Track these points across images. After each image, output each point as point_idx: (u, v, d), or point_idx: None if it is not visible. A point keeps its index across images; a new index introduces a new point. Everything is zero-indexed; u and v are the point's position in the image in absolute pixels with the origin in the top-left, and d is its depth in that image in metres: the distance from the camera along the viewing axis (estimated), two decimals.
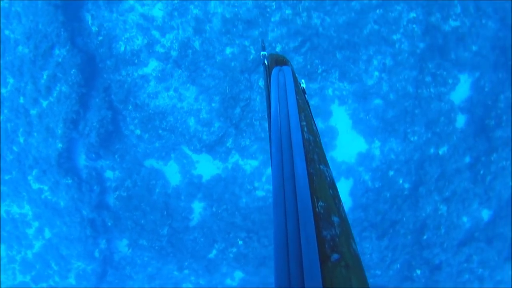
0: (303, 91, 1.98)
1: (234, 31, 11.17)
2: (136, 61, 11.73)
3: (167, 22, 11.36)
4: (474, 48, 11.94)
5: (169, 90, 11.71)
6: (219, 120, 11.59)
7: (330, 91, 11.71)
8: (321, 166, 1.37)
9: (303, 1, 11.12)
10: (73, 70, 12.16)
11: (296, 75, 1.99)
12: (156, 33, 11.56)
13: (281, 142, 1.45)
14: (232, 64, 11.34)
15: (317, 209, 1.19)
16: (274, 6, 11.12)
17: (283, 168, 1.35)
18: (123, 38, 11.75)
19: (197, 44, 11.38)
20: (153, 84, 11.73)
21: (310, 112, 1.78)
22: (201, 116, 11.66)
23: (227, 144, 11.87)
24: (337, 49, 11.42)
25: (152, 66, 11.71)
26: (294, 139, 1.43)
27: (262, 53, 2.26)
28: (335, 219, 1.17)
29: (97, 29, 11.96)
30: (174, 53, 11.49)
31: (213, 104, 11.55)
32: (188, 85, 11.60)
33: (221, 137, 11.77)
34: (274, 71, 1.86)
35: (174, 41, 11.50)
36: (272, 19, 11.16)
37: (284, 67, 1.90)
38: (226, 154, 11.97)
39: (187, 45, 11.32)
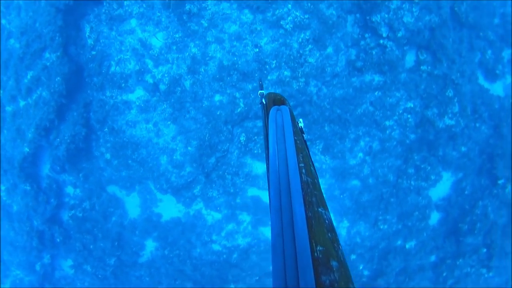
0: (301, 130, 1.93)
1: (228, 80, 10.62)
2: (123, 85, 11.12)
3: (163, 54, 10.81)
4: (463, 149, 11.51)
5: (148, 123, 11.08)
6: (191, 165, 10.96)
7: None
8: (319, 209, 1.36)
9: (304, 67, 10.57)
10: (58, 78, 11.54)
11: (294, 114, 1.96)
12: (149, 62, 10.98)
13: (280, 184, 1.44)
14: (218, 112, 10.77)
15: (315, 254, 1.19)
16: (273, 65, 10.60)
17: (281, 212, 1.34)
18: (116, 58, 11.15)
19: (187, 84, 10.81)
20: (134, 112, 11.11)
21: (309, 152, 1.74)
22: (174, 157, 11.02)
23: (194, 191, 11.24)
24: (327, 122, 10.90)
25: (138, 94, 11.09)
26: (293, 181, 1.42)
27: (260, 91, 2.31)
28: (334, 263, 1.17)
29: (92, 42, 11.36)
30: (162, 87, 10.90)
31: (189, 148, 10.93)
32: (169, 122, 10.98)
33: (190, 182, 11.14)
34: (272, 111, 1.85)
35: (166, 75, 10.91)
36: (269, 77, 10.63)
37: (282, 107, 1.89)
38: (191, 200, 11.33)
39: (177, 82, 10.76)
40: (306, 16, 10.65)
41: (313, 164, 1.68)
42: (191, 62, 10.92)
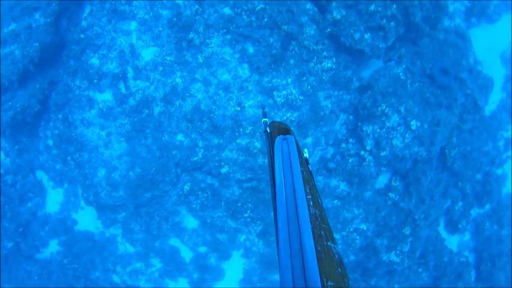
0: (306, 161, 1.89)
1: (197, 125, 9.66)
2: (95, 81, 10.09)
3: (147, 70, 9.86)
4: (396, 287, 10.62)
5: (103, 130, 10.06)
6: (126, 191, 9.95)
7: (242, 238, 10.16)
8: (328, 243, 1.33)
9: None
10: (37, 44, 10.49)
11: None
12: (130, 72, 9.95)
13: (288, 216, 1.42)
14: (174, 152, 9.79)
15: None
16: (248, 130, 9.63)
17: (290, 244, 1.32)
18: (100, 52, 10.12)
19: (157, 110, 9.81)
20: (94, 113, 10.08)
21: (315, 184, 1.70)
22: (112, 175, 9.98)
23: (118, 216, 10.23)
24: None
25: (105, 97, 10.06)
26: (301, 213, 1.39)
27: (263, 120, 2.31)
28: None
29: (85, 26, 10.33)
30: (131, 102, 9.89)
31: (131, 173, 9.91)
32: (122, 139, 9.95)
33: (117, 206, 10.10)
34: (278, 140, 1.82)
35: (140, 92, 9.89)
36: (238, 140, 9.64)
37: (288, 137, 1.85)
38: (112, 223, 10.31)
39: (148, 104, 9.80)
40: (301, 97, 9.73)
41: (319, 196, 1.63)
42: (170, 90, 9.93)
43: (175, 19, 10.09)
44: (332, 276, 1.17)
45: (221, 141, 9.99)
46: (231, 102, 9.92)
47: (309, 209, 1.44)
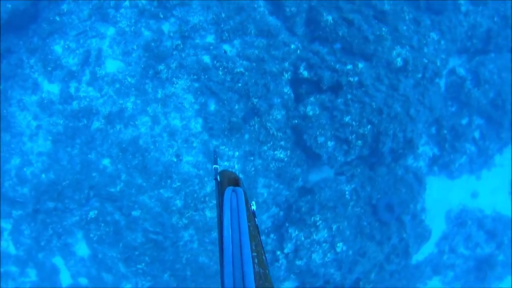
0: (254, 214, 1.88)
1: (127, 158, 8.80)
2: (49, 68, 9.20)
3: (103, 81, 9.13)
4: None
5: (34, 120, 9.14)
6: (31, 191, 9.13)
7: (126, 286, 9.21)
8: None
9: (197, 212, 8.75)
10: (9, 5, 9.52)
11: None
12: (87, 75, 9.03)
13: (234, 274, 1.42)
14: (93, 174, 8.84)
15: None
16: (175, 185, 8.75)
17: None
18: (67, 42, 9.16)
19: (95, 125, 8.97)
20: (34, 99, 9.29)
21: (260, 240, 1.70)
22: (24, 169, 9.05)
23: (14, 212, 9.22)
24: (172, 275, 9.05)
25: (52, 89, 9.20)
26: (246, 273, 1.41)
27: (214, 166, 2.27)
28: None
29: (65, 10, 9.34)
30: (75, 105, 8.92)
31: (43, 175, 9.01)
32: (49, 138, 9.11)
33: (17, 202, 9.14)
34: (227, 192, 1.81)
35: (87, 99, 8.97)
36: (162, 190, 8.78)
37: (237, 189, 1.85)
38: (5, 215, 9.25)
39: (89, 115, 9.12)
40: (240, 176, 8.84)
41: (264, 253, 1.65)
42: (116, 111, 9.05)
43: (153, 44, 9.22)
44: None
45: (145, 184, 9.09)
46: (171, 150, 9.04)
47: (254, 268, 1.43)
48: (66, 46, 9.61)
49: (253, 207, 1.93)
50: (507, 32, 10.24)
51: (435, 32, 9.52)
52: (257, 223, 1.83)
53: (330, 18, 8.99)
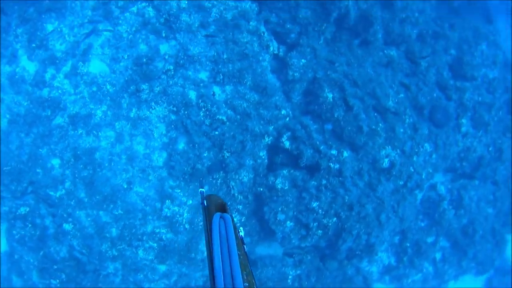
0: (242, 241, 1.77)
1: (78, 167, 7.97)
2: (33, 45, 8.45)
3: (82, 79, 8.51)
4: None
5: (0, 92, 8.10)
6: None
7: None
8: None
9: (137, 251, 7.82)
10: None
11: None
12: (67, 67, 8.21)
13: None
14: (38, 170, 7.93)
15: None
16: (117, 212, 7.80)
17: None
18: (61, 26, 8.37)
19: (57, 120, 8.09)
20: (6, 70, 8.28)
21: (250, 269, 1.61)
22: None
23: None
24: None
25: (28, 67, 8.43)
26: None
27: (200, 189, 2.14)
28: None
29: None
30: (44, 93, 8.07)
31: None
32: (7, 116, 8.06)
33: None
34: (215, 219, 1.73)
35: (59, 91, 8.17)
36: (101, 212, 7.86)
37: (225, 216, 1.76)
38: None
39: (56, 108, 8.33)
40: (187, 226, 8.07)
41: (255, 282, 1.56)
42: (83, 115, 8.20)
43: (144, 60, 8.38)
44: None
45: (86, 200, 8.18)
46: (124, 175, 8.17)
47: None
48: (58, 29, 8.75)
49: (241, 233, 1.82)
50: (497, 164, 9.65)
51: (430, 144, 8.87)
52: (246, 250, 1.72)
53: (330, 96, 8.27)
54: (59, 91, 8.59)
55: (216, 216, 1.74)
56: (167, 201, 8.19)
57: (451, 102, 9.29)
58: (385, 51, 8.91)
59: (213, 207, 1.86)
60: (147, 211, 8.24)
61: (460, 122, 9.27)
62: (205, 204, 1.91)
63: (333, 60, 8.57)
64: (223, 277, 1.46)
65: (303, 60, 8.51)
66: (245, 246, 1.76)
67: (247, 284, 1.46)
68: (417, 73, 9.02)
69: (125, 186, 8.27)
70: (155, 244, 8.15)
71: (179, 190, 8.21)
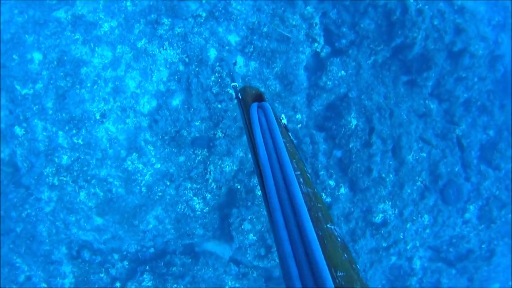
0: (286, 128, 1.56)
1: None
2: None
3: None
4: None
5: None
6: None
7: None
8: (328, 225, 1.06)
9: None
10: None
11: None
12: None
13: (280, 200, 1.12)
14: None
15: (337, 281, 0.91)
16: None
17: (288, 233, 1.04)
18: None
19: (61, 14, 6.39)
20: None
21: (300, 156, 1.37)
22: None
23: None
24: None
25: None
26: (294, 196, 1.10)
27: (232, 84, 1.97)
28: None
29: None
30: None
31: None
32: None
33: None
34: (253, 109, 1.50)
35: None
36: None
37: (264, 104, 1.54)
38: None
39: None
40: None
41: (307, 170, 1.33)
42: (89, 21, 6.69)
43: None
44: (340, 265, 0.92)
45: (51, 112, 6.73)
46: (101, 105, 6.76)
47: (301, 189, 1.11)
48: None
49: (284, 121, 1.60)
50: (482, 264, 8.46)
51: (429, 217, 7.59)
52: (291, 138, 1.50)
53: (354, 122, 6.92)
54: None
55: (254, 106, 1.49)
56: (134, 153, 6.75)
57: (468, 184, 8.00)
58: (427, 101, 7.54)
59: (249, 99, 1.59)
60: (109, 155, 6.80)
61: (467, 207, 8.01)
62: (240, 97, 1.66)
63: (372, 86, 7.17)
64: (270, 169, 1.19)
65: (342, 72, 7.08)
66: (290, 134, 1.51)
67: (298, 172, 1.20)
68: (447, 138, 7.68)
69: (97, 117, 6.81)
70: (102, 193, 6.73)
71: (152, 148, 6.78)
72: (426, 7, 7.13)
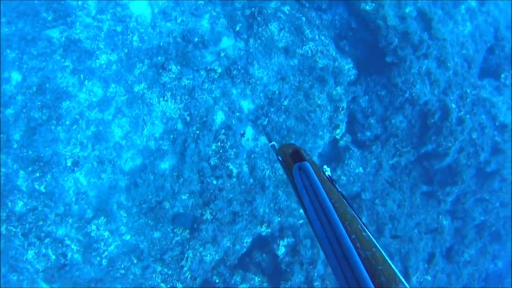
0: (330, 180, 1.45)
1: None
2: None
3: (107, 16, 5.14)
4: None
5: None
6: None
7: None
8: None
9: None
10: None
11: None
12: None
13: (342, 271, 1.07)
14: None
15: None
16: None
17: None
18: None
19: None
20: None
21: (352, 209, 1.29)
22: None
23: None
24: None
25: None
26: (355, 268, 1.04)
27: (271, 144, 1.96)
28: None
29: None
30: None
31: None
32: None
33: None
34: (296, 174, 1.42)
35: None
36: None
37: (303, 165, 1.43)
38: None
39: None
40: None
41: (363, 225, 1.21)
42: (85, 49, 5.34)
43: (197, 39, 5.56)
44: None
45: (16, 146, 5.25)
46: (75, 150, 5.39)
47: (359, 255, 1.06)
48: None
49: (328, 173, 1.51)
50: None
51: None
52: (339, 189, 1.40)
53: None
54: (79, 2, 5.66)
55: (296, 170, 1.42)
56: (102, 217, 5.40)
57: None
58: (441, 216, 6.42)
59: (290, 159, 1.52)
60: (72, 212, 5.44)
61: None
62: (280, 159, 1.60)
63: (388, 190, 5.99)
64: (328, 242, 1.13)
65: (360, 169, 5.91)
66: (337, 186, 1.42)
67: (354, 236, 1.13)
68: (453, 262, 6.58)
69: (68, 164, 5.46)
70: (54, 257, 5.34)
71: (125, 215, 5.44)
72: (468, 116, 6.05)
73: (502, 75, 6.88)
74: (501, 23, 7.04)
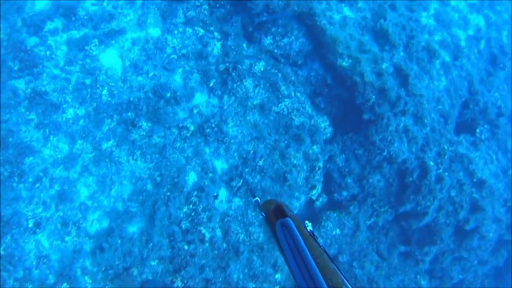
0: (312, 235, 1.50)
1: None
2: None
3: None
4: None
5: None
6: None
7: None
8: None
9: None
10: None
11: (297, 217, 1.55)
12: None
13: None
14: None
15: None
16: None
17: None
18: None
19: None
20: None
21: (333, 264, 1.37)
22: None
23: None
24: None
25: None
26: None
27: (254, 199, 1.94)
28: None
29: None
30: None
31: None
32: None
33: None
34: (279, 231, 1.46)
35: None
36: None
37: (285, 221, 1.48)
38: None
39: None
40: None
41: (343, 281, 1.29)
42: (49, 103, 4.93)
43: (169, 94, 5.33)
44: None
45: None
46: (38, 210, 5.03)
47: None
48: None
49: (309, 228, 1.54)
50: None
51: None
52: (320, 244, 1.45)
53: None
54: (47, 52, 5.34)
55: (278, 227, 1.46)
56: (65, 283, 5.01)
57: None
58: (419, 276, 6.24)
59: (272, 216, 1.56)
60: (32, 276, 5.05)
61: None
62: (263, 215, 1.63)
63: (366, 252, 5.78)
64: None
65: (337, 231, 5.70)
66: (319, 240, 1.47)
67: None
68: None
69: (30, 225, 5.08)
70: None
71: (90, 281, 5.08)
72: (446, 174, 5.89)
73: (477, 130, 6.80)
74: (474, 77, 6.98)
